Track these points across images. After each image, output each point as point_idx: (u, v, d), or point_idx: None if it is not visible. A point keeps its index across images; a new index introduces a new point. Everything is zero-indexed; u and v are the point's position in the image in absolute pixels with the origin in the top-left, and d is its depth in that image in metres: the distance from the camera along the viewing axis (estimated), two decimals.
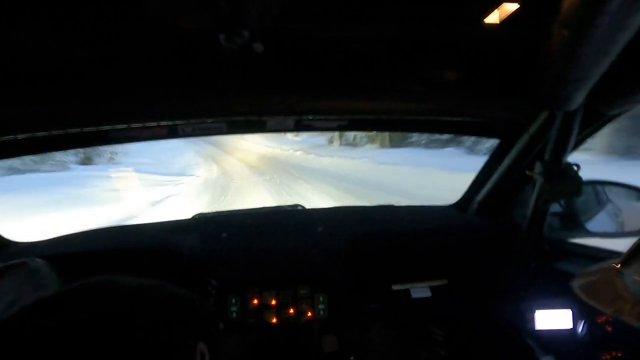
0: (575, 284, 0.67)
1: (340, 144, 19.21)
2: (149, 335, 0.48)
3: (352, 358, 1.40)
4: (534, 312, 1.26)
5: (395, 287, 1.45)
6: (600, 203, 1.38)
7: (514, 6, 0.83)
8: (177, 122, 1.23)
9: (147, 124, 1.22)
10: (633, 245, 0.58)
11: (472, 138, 10.15)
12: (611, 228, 1.35)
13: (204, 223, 1.57)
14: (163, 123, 1.22)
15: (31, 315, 0.47)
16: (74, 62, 0.93)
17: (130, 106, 1.07)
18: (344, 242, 1.47)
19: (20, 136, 1.10)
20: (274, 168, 13.32)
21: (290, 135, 21.77)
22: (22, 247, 1.46)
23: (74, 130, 1.13)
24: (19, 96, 0.93)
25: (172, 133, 1.29)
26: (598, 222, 1.35)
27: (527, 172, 1.24)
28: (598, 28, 0.65)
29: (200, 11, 0.80)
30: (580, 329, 1.17)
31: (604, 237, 1.28)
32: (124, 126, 1.19)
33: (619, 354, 0.83)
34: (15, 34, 0.80)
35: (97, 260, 1.35)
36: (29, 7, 0.74)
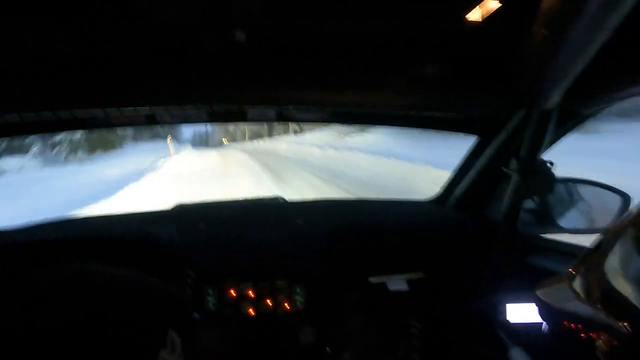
0: (538, 294, 0.71)
1: None
2: (118, 322, 0.48)
3: (328, 349, 1.42)
4: (506, 305, 1.30)
5: (373, 280, 1.47)
6: (572, 200, 1.42)
7: (496, 4, 0.84)
8: (156, 109, 1.20)
9: (125, 111, 1.19)
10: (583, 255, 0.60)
11: None
12: (582, 224, 1.39)
13: (183, 213, 1.55)
14: (141, 110, 1.20)
15: (7, 309, 0.46)
16: (50, 48, 0.90)
17: (107, 92, 1.04)
18: (323, 235, 1.48)
19: None
20: None
21: None
22: None
23: (47, 115, 1.10)
24: None
25: (151, 120, 1.27)
26: (569, 218, 1.38)
27: (503, 169, 1.26)
28: (576, 28, 0.66)
29: (185, 0, 0.79)
30: (545, 323, 1.21)
31: (574, 233, 1.32)
32: (100, 112, 1.15)
33: (580, 348, 0.87)
34: None
35: (72, 249, 1.32)
36: None
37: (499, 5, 0.84)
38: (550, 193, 1.23)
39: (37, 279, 0.50)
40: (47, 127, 1.27)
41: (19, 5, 0.77)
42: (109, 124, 1.30)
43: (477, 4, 0.84)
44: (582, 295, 0.56)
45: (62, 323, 0.45)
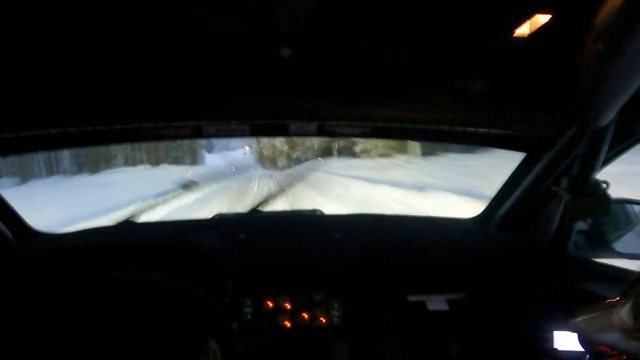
0: (574, 323, 0.67)
1: None
2: (160, 330, 0.48)
3: None
4: (553, 332, 1.22)
5: (411, 299, 1.43)
6: (629, 223, 1.33)
7: (546, 18, 0.81)
8: (202, 122, 1.25)
9: (173, 124, 1.24)
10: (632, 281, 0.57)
11: None
12: None
13: (223, 223, 1.59)
14: (188, 123, 1.25)
15: (47, 300, 0.48)
16: (104, 60, 0.96)
17: (157, 105, 1.09)
18: (361, 250, 1.46)
19: (52, 131, 1.14)
20: None
21: None
22: (49, 237, 1.51)
23: (101, 128, 1.17)
24: (49, 91, 0.96)
25: (197, 133, 1.31)
26: (626, 242, 1.29)
27: (553, 188, 1.20)
28: (634, 43, 0.63)
29: (231, 15, 0.82)
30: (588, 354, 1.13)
31: (632, 259, 1.23)
32: (150, 125, 1.21)
33: None
34: (49, 28, 0.83)
35: (118, 254, 1.38)
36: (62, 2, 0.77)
37: (550, 18, 0.81)
38: (605, 215, 1.15)
39: (76, 282, 0.51)
40: (101, 139, 1.34)
41: (71, 24, 0.82)
42: (158, 136, 1.36)
43: (528, 18, 0.82)
44: (625, 325, 0.52)
45: (102, 329, 0.46)
